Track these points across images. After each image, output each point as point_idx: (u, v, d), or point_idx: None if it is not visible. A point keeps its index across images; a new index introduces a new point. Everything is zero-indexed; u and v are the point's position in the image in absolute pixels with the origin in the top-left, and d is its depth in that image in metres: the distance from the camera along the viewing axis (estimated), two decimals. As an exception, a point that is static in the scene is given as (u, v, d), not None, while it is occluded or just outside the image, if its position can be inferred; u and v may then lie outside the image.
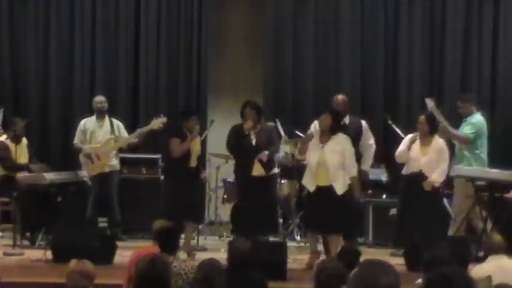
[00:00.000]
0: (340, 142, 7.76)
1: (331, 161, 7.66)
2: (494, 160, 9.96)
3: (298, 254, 8.54)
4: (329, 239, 7.84)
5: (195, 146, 8.35)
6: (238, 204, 8.49)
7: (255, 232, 7.75)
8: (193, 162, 8.31)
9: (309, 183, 7.82)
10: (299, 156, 8.04)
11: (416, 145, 8.16)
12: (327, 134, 7.75)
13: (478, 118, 8.76)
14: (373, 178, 9.40)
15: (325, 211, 7.61)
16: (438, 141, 8.18)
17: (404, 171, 8.32)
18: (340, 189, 7.68)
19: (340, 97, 8.50)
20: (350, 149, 7.80)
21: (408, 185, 8.23)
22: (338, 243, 7.79)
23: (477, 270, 5.54)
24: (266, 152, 8.16)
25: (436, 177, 8.06)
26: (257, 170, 8.18)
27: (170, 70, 10.86)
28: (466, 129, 8.64)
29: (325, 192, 7.68)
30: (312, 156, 7.74)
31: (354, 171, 7.80)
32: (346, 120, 8.37)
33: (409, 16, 10.83)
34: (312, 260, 7.70)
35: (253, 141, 8.21)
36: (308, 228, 8.20)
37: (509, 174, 8.26)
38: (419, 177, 8.08)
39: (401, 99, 10.80)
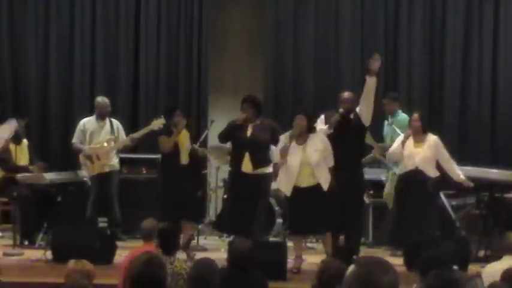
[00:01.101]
0: (321, 140, 7.70)
1: (314, 159, 7.62)
2: (495, 160, 9.99)
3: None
4: (323, 239, 7.81)
5: (184, 141, 8.27)
6: (225, 200, 8.42)
7: (239, 230, 7.63)
8: (184, 159, 8.23)
9: (287, 186, 7.69)
10: (279, 159, 7.74)
11: (410, 143, 8.15)
12: (303, 135, 7.69)
13: (404, 117, 8.78)
14: (373, 178, 9.39)
15: (314, 212, 7.54)
16: (432, 138, 8.16)
17: (399, 171, 8.30)
18: (326, 185, 7.62)
19: (346, 94, 8.23)
20: (329, 144, 7.74)
21: (405, 183, 8.21)
22: (330, 242, 7.76)
23: (489, 269, 5.55)
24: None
25: (462, 175, 8.06)
26: (246, 167, 8.04)
27: (170, 69, 10.87)
28: (397, 133, 8.62)
29: (311, 192, 7.59)
30: (293, 158, 7.62)
31: (332, 163, 7.74)
32: (352, 116, 8.26)
33: (409, 16, 10.83)
34: (298, 265, 7.66)
35: (248, 134, 8.09)
36: (296, 233, 7.96)
37: (510, 174, 8.26)
38: (415, 174, 8.06)
39: (402, 100, 10.75)
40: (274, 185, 9.35)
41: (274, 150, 7.99)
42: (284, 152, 7.66)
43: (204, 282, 4.29)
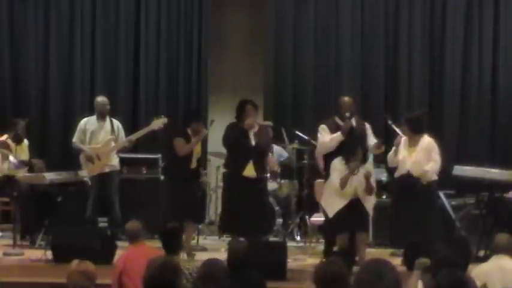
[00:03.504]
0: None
1: (361, 188, 7.76)
2: (495, 160, 9.98)
3: (298, 254, 8.55)
4: (360, 237, 7.78)
5: (197, 148, 8.40)
6: (224, 203, 8.43)
7: (243, 232, 7.65)
8: (194, 164, 8.34)
9: (333, 210, 7.75)
10: (340, 188, 7.71)
11: (405, 147, 8.14)
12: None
13: None
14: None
15: (355, 211, 7.66)
16: (425, 140, 8.13)
17: (396, 175, 8.31)
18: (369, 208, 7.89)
19: (347, 99, 8.27)
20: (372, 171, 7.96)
21: (400, 187, 8.21)
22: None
23: (477, 270, 5.55)
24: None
25: (427, 168, 7.98)
26: (248, 171, 8.11)
27: (170, 70, 10.86)
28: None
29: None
30: (348, 191, 7.71)
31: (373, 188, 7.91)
32: (353, 122, 8.20)
33: (409, 16, 10.82)
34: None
35: (253, 142, 8.18)
36: (343, 230, 7.84)
37: (510, 174, 8.26)
38: (408, 178, 8.06)
39: (402, 99, 10.79)
40: (272, 186, 9.42)
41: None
42: (343, 183, 7.67)
43: (215, 279, 4.28)
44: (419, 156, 8.04)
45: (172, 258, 4.66)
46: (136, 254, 5.29)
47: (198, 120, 8.43)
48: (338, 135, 7.97)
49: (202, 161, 8.88)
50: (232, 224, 8.10)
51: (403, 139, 8.18)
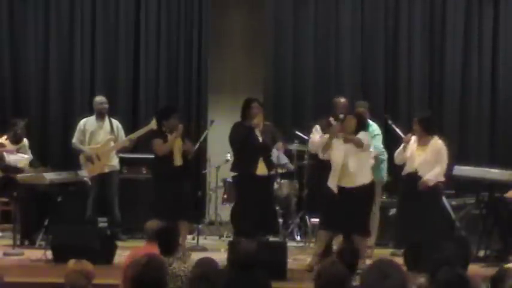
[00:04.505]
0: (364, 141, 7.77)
1: (353, 162, 7.65)
2: (495, 160, 9.99)
3: (298, 254, 8.55)
4: (356, 240, 7.69)
5: (178, 144, 8.26)
6: (239, 204, 8.44)
7: (256, 232, 7.71)
8: (177, 161, 8.24)
9: (333, 183, 7.71)
10: (321, 155, 7.80)
11: (414, 146, 8.13)
12: (352, 135, 7.71)
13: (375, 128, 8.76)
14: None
15: (349, 212, 7.59)
16: (437, 142, 8.11)
17: (403, 172, 8.30)
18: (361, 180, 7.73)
19: (342, 100, 8.41)
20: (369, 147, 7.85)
21: (406, 185, 8.20)
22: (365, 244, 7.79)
23: None
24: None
25: (429, 176, 7.93)
26: (261, 169, 8.15)
27: (170, 70, 10.86)
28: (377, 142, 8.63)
29: (349, 194, 7.64)
30: (337, 155, 7.67)
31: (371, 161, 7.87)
32: None
33: (409, 16, 10.82)
34: (315, 263, 7.65)
35: (260, 139, 8.19)
36: (329, 228, 7.85)
37: (510, 174, 8.26)
38: (415, 177, 8.04)
39: (402, 98, 10.79)
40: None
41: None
42: (326, 147, 7.70)
43: (209, 281, 4.28)
44: (429, 157, 8.01)
45: (157, 256, 4.63)
46: (147, 251, 5.28)
47: (167, 118, 8.26)
48: (327, 137, 7.96)
49: (202, 160, 8.74)
50: (249, 225, 8.07)
51: (413, 137, 8.17)
